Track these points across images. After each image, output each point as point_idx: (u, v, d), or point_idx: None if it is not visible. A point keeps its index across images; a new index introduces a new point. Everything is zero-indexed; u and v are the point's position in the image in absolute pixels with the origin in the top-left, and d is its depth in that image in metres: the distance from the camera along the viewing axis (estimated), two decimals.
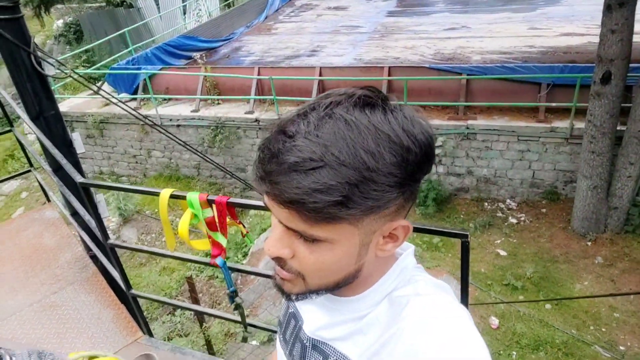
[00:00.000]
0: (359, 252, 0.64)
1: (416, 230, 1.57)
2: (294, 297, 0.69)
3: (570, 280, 5.90)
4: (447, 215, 7.36)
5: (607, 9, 5.42)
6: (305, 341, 0.79)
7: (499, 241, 6.75)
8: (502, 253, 6.54)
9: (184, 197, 1.90)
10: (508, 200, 7.43)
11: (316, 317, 0.78)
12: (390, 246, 0.66)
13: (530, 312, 5.57)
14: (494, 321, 5.51)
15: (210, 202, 1.89)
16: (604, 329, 5.24)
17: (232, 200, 1.84)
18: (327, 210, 0.56)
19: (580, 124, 6.46)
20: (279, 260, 0.66)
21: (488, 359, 0.58)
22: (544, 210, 7.08)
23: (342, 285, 0.68)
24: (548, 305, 5.65)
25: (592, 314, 5.43)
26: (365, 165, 0.55)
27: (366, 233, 0.62)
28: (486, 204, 7.46)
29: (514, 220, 7.06)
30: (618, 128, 5.93)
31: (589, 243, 6.34)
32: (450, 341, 0.58)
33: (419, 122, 0.60)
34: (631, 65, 5.68)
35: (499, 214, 7.23)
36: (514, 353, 5.11)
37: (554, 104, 6.97)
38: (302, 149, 0.56)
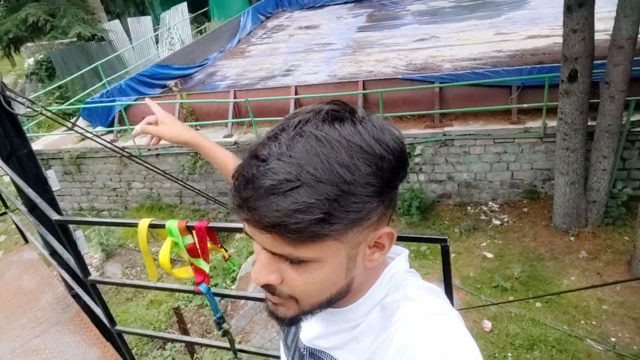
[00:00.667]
0: (347, 267, 0.64)
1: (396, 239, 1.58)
2: (288, 322, 0.68)
3: (557, 276, 5.97)
4: (432, 223, 7.41)
5: (568, 10, 5.61)
6: (302, 349, 0.80)
7: (484, 244, 6.81)
8: (489, 255, 6.59)
9: (163, 226, 1.89)
10: (490, 203, 7.52)
11: (312, 326, 0.79)
12: (377, 255, 0.66)
13: (521, 312, 5.60)
14: (487, 324, 5.52)
15: (189, 229, 1.87)
16: (594, 322, 5.29)
17: (212, 224, 1.82)
18: (310, 230, 0.56)
19: (552, 123, 6.61)
20: (268, 287, 0.65)
21: (478, 359, 0.58)
22: (525, 209, 7.18)
23: (335, 301, 0.68)
24: (538, 304, 5.69)
25: (582, 309, 5.48)
26: (342, 178, 0.55)
27: (352, 246, 0.62)
28: (469, 208, 7.54)
29: (498, 222, 7.13)
30: (589, 123, 6.09)
31: (572, 238, 6.44)
32: (441, 344, 0.59)
33: (389, 130, 0.61)
34: (595, 62, 5.85)
35: (483, 217, 7.31)
36: (509, 354, 5.11)
37: (525, 105, 7.13)
38: (277, 171, 0.55)
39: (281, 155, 0.56)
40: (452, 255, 6.69)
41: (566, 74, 5.82)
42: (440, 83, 7.57)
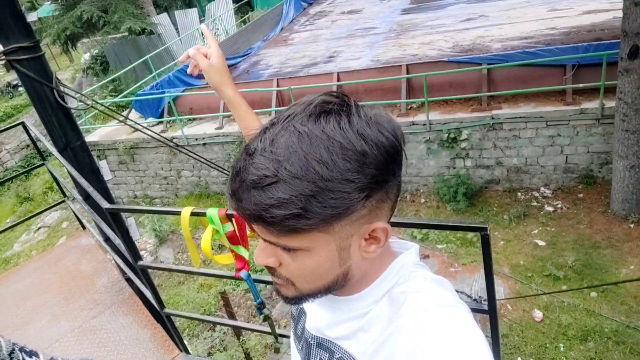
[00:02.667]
0: (340, 257, 0.65)
1: (433, 227, 1.55)
2: (290, 301, 0.72)
3: (615, 265, 5.66)
4: (479, 210, 7.21)
5: None
6: (310, 339, 0.82)
7: (536, 231, 6.55)
8: (541, 243, 6.34)
9: (204, 214, 1.94)
10: (542, 188, 7.21)
11: (319, 315, 0.80)
12: (373, 247, 0.67)
13: (575, 302, 5.37)
14: (538, 314, 5.34)
15: (229, 217, 1.92)
16: None
17: None
18: (286, 223, 0.58)
19: (610, 103, 6.22)
20: (269, 269, 0.69)
21: (486, 353, 0.57)
22: (580, 195, 6.83)
23: (335, 289, 0.70)
24: (593, 294, 5.44)
25: None
26: (319, 175, 0.56)
27: (341, 238, 0.63)
28: (519, 194, 7.27)
29: (550, 209, 6.84)
30: None
31: (632, 225, 6.07)
32: (448, 336, 0.59)
33: (378, 122, 0.60)
34: None
35: (534, 203, 7.02)
36: (561, 345, 4.93)
37: (581, 85, 6.74)
38: (257, 167, 0.58)
39: (264, 151, 0.58)
40: (501, 243, 6.49)
41: (626, 50, 5.44)
42: (488, 64, 7.28)
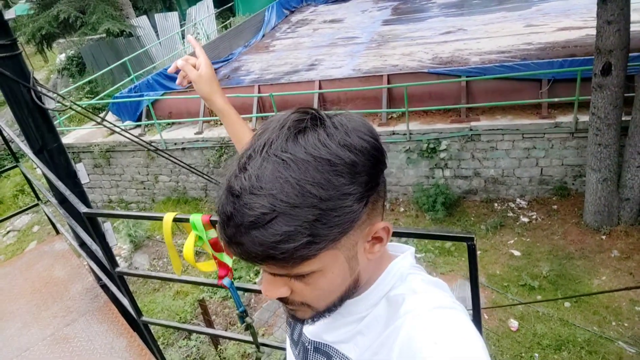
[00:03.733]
0: (350, 266, 0.65)
1: (420, 236, 1.55)
2: (309, 322, 0.71)
3: (587, 276, 5.80)
4: (457, 219, 7.30)
5: (602, 0, 5.41)
6: (307, 344, 0.81)
7: (512, 241, 6.67)
8: (516, 253, 6.45)
9: (187, 220, 1.90)
10: (518, 199, 7.36)
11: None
12: (377, 247, 0.67)
13: (549, 312, 5.47)
14: (514, 323, 5.42)
15: (213, 223, 1.88)
16: (626, 324, 5.13)
17: None
18: (298, 255, 0.57)
19: (584, 117, 6.41)
20: (281, 299, 0.67)
21: (483, 353, 0.58)
22: (555, 206, 6.99)
23: (347, 298, 0.69)
24: (567, 304, 5.55)
25: (613, 309, 5.32)
26: (317, 197, 0.55)
27: (348, 249, 0.63)
28: (496, 204, 7.39)
29: (526, 219, 6.97)
30: (623, 118, 5.87)
31: (604, 237, 6.24)
32: (447, 337, 0.59)
33: (355, 129, 0.60)
34: (631, 54, 5.64)
35: (510, 214, 7.15)
36: (536, 355, 5.01)
37: (556, 99, 6.92)
38: (251, 206, 0.56)
39: (252, 189, 0.56)
40: (478, 253, 6.57)
41: (599, 67, 5.62)
42: (467, 77, 7.42)
